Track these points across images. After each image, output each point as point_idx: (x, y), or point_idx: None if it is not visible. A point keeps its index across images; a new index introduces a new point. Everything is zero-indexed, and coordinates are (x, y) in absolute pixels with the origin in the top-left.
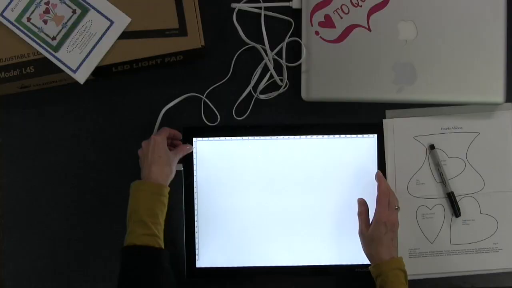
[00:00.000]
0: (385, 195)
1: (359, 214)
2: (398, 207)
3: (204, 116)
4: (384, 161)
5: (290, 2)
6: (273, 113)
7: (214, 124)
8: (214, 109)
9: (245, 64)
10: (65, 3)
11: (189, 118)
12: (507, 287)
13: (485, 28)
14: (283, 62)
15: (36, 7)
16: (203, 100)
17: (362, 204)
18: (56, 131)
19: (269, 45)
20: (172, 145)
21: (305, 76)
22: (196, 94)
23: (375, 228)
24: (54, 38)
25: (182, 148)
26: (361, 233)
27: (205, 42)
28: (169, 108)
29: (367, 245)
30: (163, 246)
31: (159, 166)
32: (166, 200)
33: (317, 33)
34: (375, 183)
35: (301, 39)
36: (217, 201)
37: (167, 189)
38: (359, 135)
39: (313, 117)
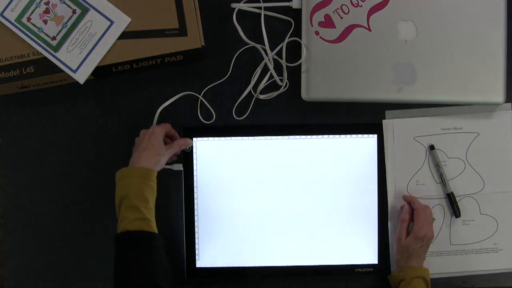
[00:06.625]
0: (422, 210)
1: (401, 221)
2: (433, 218)
3: (202, 115)
4: (384, 162)
5: (290, 2)
6: (273, 113)
7: (209, 122)
8: (210, 107)
9: (245, 64)
10: (65, 3)
11: (187, 117)
12: (507, 287)
13: (485, 28)
14: (283, 62)
15: (36, 7)
16: (200, 99)
17: (407, 213)
18: (56, 131)
19: (269, 45)
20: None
21: (305, 76)
22: (193, 93)
23: (412, 241)
24: (54, 38)
25: (178, 142)
26: (398, 240)
27: (205, 42)
28: (168, 108)
29: (399, 252)
30: (156, 230)
31: (149, 153)
32: (154, 185)
33: (317, 33)
34: (375, 184)
35: (301, 39)
36: (217, 201)
37: (155, 173)
38: (359, 135)
39: (313, 117)
